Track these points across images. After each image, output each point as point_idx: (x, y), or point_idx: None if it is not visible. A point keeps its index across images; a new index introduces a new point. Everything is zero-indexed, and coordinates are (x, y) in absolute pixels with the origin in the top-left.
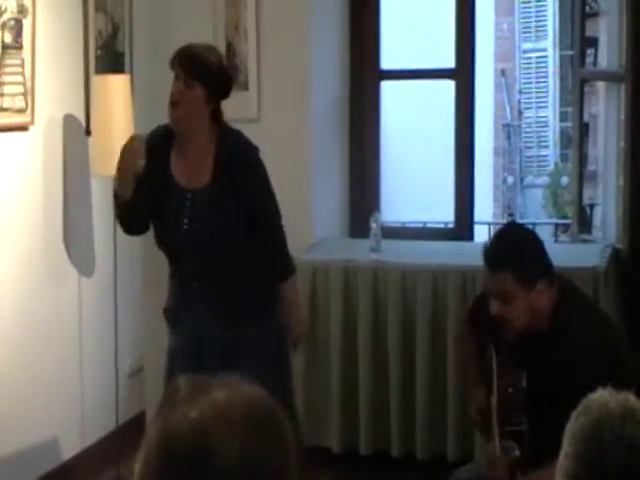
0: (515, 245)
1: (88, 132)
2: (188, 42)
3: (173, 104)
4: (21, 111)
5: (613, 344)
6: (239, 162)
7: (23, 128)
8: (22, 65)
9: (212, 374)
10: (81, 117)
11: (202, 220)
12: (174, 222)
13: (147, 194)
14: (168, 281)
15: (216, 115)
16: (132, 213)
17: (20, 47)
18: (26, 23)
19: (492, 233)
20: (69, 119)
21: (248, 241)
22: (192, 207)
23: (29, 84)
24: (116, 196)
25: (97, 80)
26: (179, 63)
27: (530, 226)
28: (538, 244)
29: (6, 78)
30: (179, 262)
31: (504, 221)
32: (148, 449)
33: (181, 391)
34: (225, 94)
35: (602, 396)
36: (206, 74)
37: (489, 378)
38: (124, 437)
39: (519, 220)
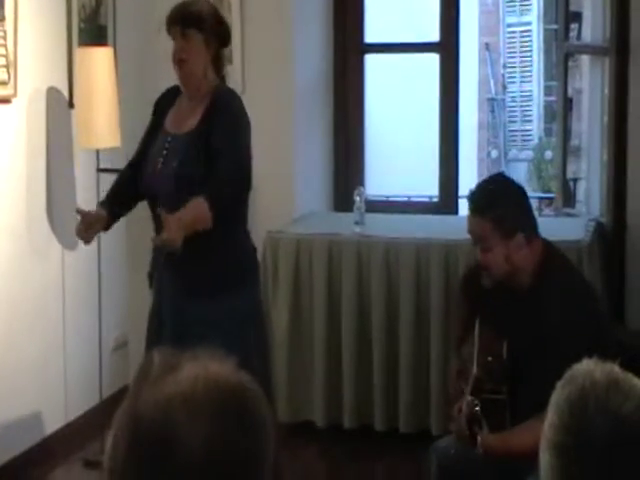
0: (498, 194)
1: (71, 105)
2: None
3: (179, 62)
4: (4, 83)
5: (596, 312)
6: (221, 109)
7: (6, 101)
8: (4, 37)
9: (191, 347)
10: (64, 90)
11: (172, 162)
12: (151, 164)
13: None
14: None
15: (218, 65)
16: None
17: (2, 19)
18: None
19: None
20: (52, 92)
21: None
22: (169, 149)
23: (12, 56)
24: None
25: (80, 52)
26: (174, 20)
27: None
28: (523, 199)
29: None
30: (154, 216)
31: None
32: (118, 427)
33: (154, 367)
34: (223, 40)
35: (587, 366)
36: (200, 19)
37: (471, 348)
38: (108, 411)
39: None
